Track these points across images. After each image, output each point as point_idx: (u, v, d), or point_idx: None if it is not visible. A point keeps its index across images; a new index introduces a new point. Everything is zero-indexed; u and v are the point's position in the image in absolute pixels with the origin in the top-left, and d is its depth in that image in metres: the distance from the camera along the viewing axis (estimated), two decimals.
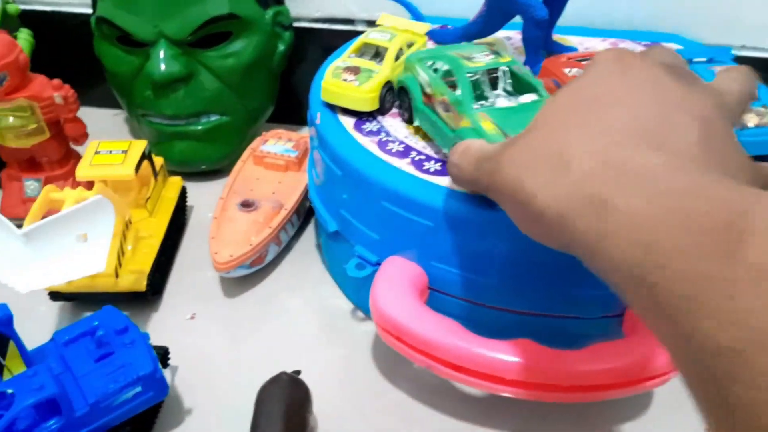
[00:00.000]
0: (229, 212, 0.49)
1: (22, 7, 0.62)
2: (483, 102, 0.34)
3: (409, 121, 0.40)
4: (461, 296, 0.38)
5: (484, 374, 0.34)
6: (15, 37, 0.54)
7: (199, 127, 0.57)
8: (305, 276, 0.50)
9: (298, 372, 0.38)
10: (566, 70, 0.41)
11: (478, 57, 0.36)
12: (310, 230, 0.54)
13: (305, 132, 0.58)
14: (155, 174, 0.51)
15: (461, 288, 0.37)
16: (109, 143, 0.49)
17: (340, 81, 0.41)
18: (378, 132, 0.41)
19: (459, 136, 0.33)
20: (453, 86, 0.36)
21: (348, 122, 0.42)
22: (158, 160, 0.52)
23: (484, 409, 0.39)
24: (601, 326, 0.37)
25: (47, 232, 0.39)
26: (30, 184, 0.54)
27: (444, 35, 0.50)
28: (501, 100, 0.35)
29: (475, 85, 0.35)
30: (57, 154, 0.54)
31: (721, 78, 0.27)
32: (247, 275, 0.48)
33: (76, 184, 0.50)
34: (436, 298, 0.39)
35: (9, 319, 0.34)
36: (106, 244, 0.41)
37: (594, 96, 0.25)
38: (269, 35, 0.57)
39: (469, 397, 0.40)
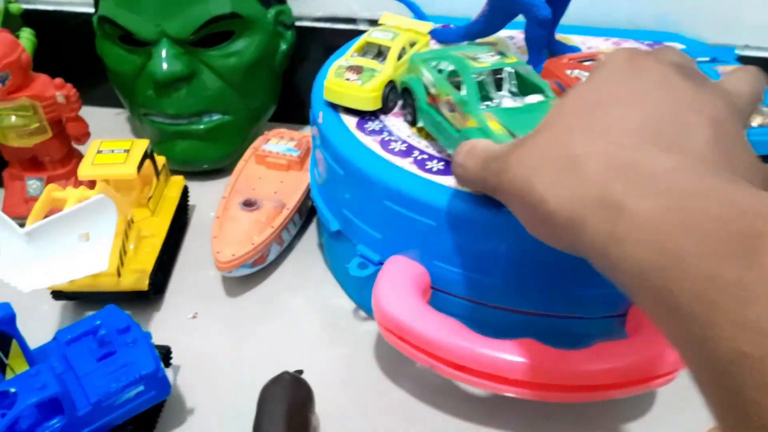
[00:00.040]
0: (231, 211, 0.49)
1: (25, 6, 0.62)
2: (488, 102, 0.34)
3: (412, 122, 0.40)
4: (464, 296, 0.38)
5: (487, 374, 0.33)
6: (17, 37, 0.54)
7: (201, 127, 0.57)
8: (307, 275, 0.50)
9: (300, 371, 0.38)
10: (568, 72, 0.41)
11: (483, 57, 0.36)
12: (312, 230, 0.54)
13: (307, 131, 0.58)
14: (157, 173, 0.51)
15: (464, 288, 0.37)
16: (111, 142, 0.49)
17: (342, 80, 0.41)
18: (380, 131, 0.41)
19: (465, 136, 0.33)
20: (457, 87, 0.35)
21: (350, 121, 0.42)
22: (160, 160, 0.52)
23: (487, 409, 0.39)
24: (604, 326, 0.37)
25: (49, 231, 0.39)
26: (32, 184, 0.54)
27: (446, 34, 0.50)
28: (507, 100, 0.35)
29: (480, 86, 0.35)
30: (59, 154, 0.54)
31: (731, 78, 0.27)
32: (249, 275, 0.48)
33: (78, 184, 0.50)
34: (438, 297, 0.39)
35: (12, 318, 0.34)
36: (108, 243, 0.41)
37: (604, 97, 0.25)
38: (271, 34, 0.57)
39: (471, 396, 0.40)
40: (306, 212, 0.53)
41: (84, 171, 0.47)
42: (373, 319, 0.38)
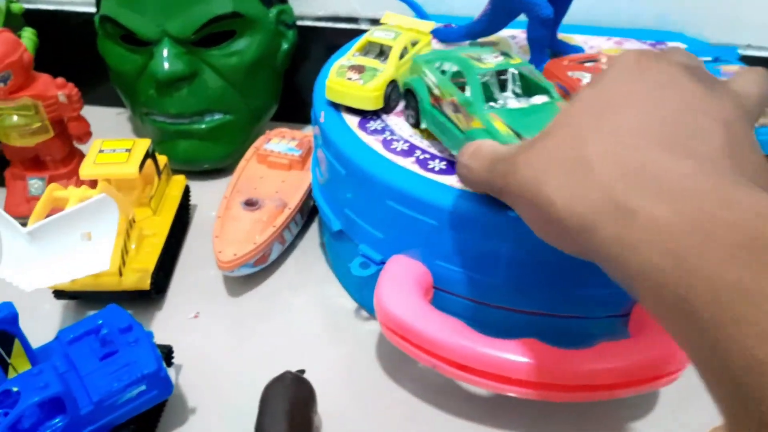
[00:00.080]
0: (233, 211, 0.49)
1: (26, 6, 0.62)
2: (492, 103, 0.34)
3: (416, 124, 0.40)
4: (466, 295, 0.38)
5: (490, 374, 0.33)
6: (19, 36, 0.54)
7: (203, 126, 0.57)
8: (309, 275, 0.50)
9: (302, 371, 0.38)
10: (569, 74, 0.41)
11: (487, 58, 0.36)
12: (314, 229, 0.54)
13: (309, 131, 0.58)
14: (159, 173, 0.51)
15: (466, 287, 0.37)
16: (113, 142, 0.49)
17: (344, 80, 0.41)
18: (382, 131, 0.41)
19: (470, 137, 0.33)
20: (461, 88, 0.35)
21: (352, 121, 0.42)
22: (162, 159, 0.52)
23: (489, 409, 0.39)
24: (607, 326, 0.37)
25: (51, 230, 0.39)
26: (34, 183, 0.54)
27: (448, 34, 0.50)
28: (512, 101, 0.34)
29: (484, 87, 0.34)
30: (61, 153, 0.54)
31: (739, 80, 0.27)
32: (250, 274, 0.48)
33: (79, 183, 0.50)
34: (440, 297, 0.39)
35: (14, 318, 0.34)
36: (110, 242, 0.41)
37: (615, 99, 0.25)
38: (273, 34, 0.57)
39: (474, 396, 0.40)
40: (307, 212, 0.53)
41: (86, 170, 0.47)
42: (375, 318, 0.38)
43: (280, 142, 0.55)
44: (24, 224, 0.39)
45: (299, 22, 0.60)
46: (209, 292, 0.48)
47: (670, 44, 0.50)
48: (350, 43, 0.48)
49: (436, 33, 0.49)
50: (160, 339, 0.38)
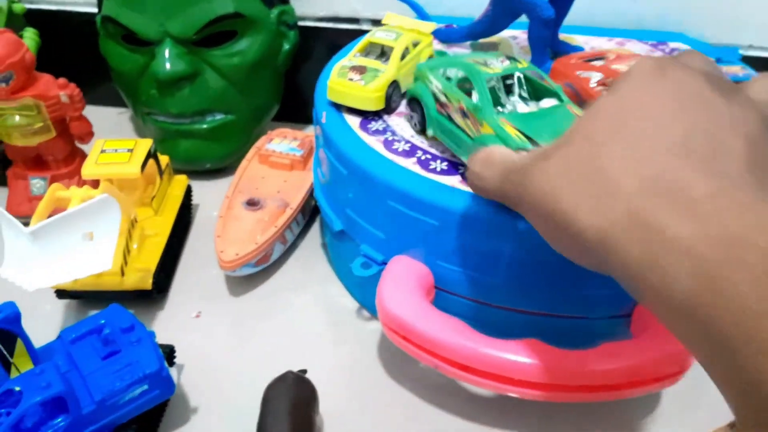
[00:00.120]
0: (235, 211, 0.49)
1: (28, 6, 0.62)
2: (500, 108, 0.33)
3: (421, 131, 0.39)
4: (468, 296, 0.38)
5: (491, 374, 0.33)
6: (21, 36, 0.54)
7: (204, 126, 0.57)
8: (311, 275, 0.50)
9: (304, 371, 0.38)
10: (578, 73, 0.40)
11: (493, 63, 0.35)
12: (315, 229, 0.54)
13: (310, 131, 0.58)
14: (161, 172, 0.51)
15: (468, 287, 0.37)
16: (115, 142, 0.49)
17: (345, 80, 0.41)
18: (384, 131, 0.41)
19: (481, 143, 0.32)
20: (468, 93, 0.35)
21: (354, 121, 0.42)
22: (164, 159, 0.52)
23: (491, 409, 0.39)
24: (609, 326, 0.37)
25: (54, 230, 0.39)
26: (36, 183, 0.54)
27: (450, 34, 0.50)
28: (521, 105, 0.34)
29: (491, 92, 0.34)
30: (63, 153, 0.54)
31: (756, 87, 0.26)
32: (252, 274, 0.48)
33: (81, 183, 0.50)
34: (442, 297, 0.39)
35: (16, 317, 0.34)
36: (112, 242, 0.41)
37: (633, 110, 0.24)
38: (274, 34, 0.57)
39: (476, 396, 0.40)
40: (309, 212, 0.54)
41: (88, 170, 0.47)
42: (377, 318, 0.38)
43: (281, 142, 0.55)
44: (26, 224, 0.39)
45: (300, 23, 0.60)
46: (211, 292, 0.48)
47: (672, 45, 0.50)
48: (351, 43, 0.48)
49: (437, 34, 0.49)
50: (161, 339, 0.38)
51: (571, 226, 0.23)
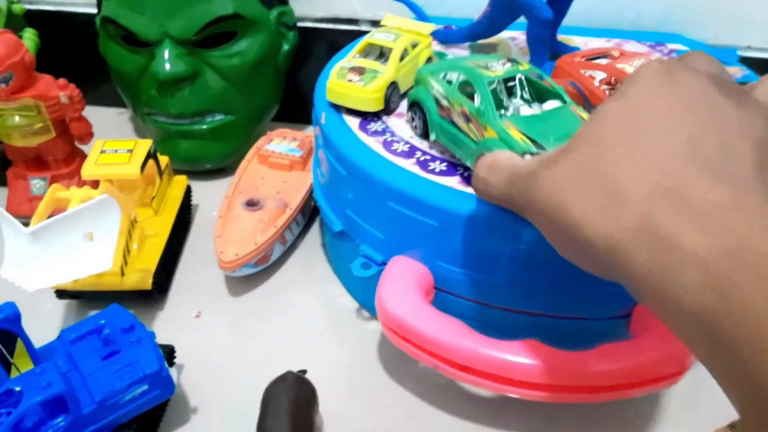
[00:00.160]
0: (235, 211, 0.50)
1: (28, 6, 0.62)
2: (503, 111, 0.33)
3: (424, 135, 0.39)
4: (467, 296, 0.38)
5: (491, 375, 0.34)
6: (20, 37, 0.54)
7: (204, 126, 0.57)
8: (310, 275, 0.50)
9: (303, 371, 0.38)
10: (583, 72, 0.40)
11: (495, 66, 0.35)
12: (315, 229, 0.54)
13: (310, 131, 0.58)
14: (160, 173, 0.51)
15: (467, 288, 0.38)
16: (115, 142, 0.49)
17: (344, 81, 0.41)
18: (383, 132, 0.41)
19: (485, 147, 0.32)
20: (470, 97, 0.34)
21: (353, 122, 0.42)
22: (163, 159, 0.52)
23: (491, 409, 0.40)
24: (608, 327, 0.37)
25: (54, 231, 0.39)
26: (36, 183, 0.54)
27: (448, 35, 0.50)
28: (524, 108, 0.34)
29: (493, 95, 0.33)
30: (63, 153, 0.54)
31: (765, 89, 0.25)
32: (252, 274, 0.48)
33: (81, 183, 0.50)
34: (442, 298, 0.39)
35: (17, 317, 0.34)
36: (112, 242, 0.41)
37: (641, 115, 0.23)
38: (274, 35, 0.57)
39: (476, 396, 0.40)
40: (309, 212, 0.54)
41: (87, 171, 0.47)
42: (377, 318, 0.38)
43: (281, 142, 0.56)
44: (26, 224, 0.39)
45: (300, 23, 0.60)
46: (211, 292, 0.48)
47: (670, 46, 0.50)
48: (350, 44, 0.48)
49: (436, 35, 0.49)
50: (161, 339, 0.38)
51: (579, 233, 0.23)
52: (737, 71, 0.44)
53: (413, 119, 0.40)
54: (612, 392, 0.34)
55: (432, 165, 0.38)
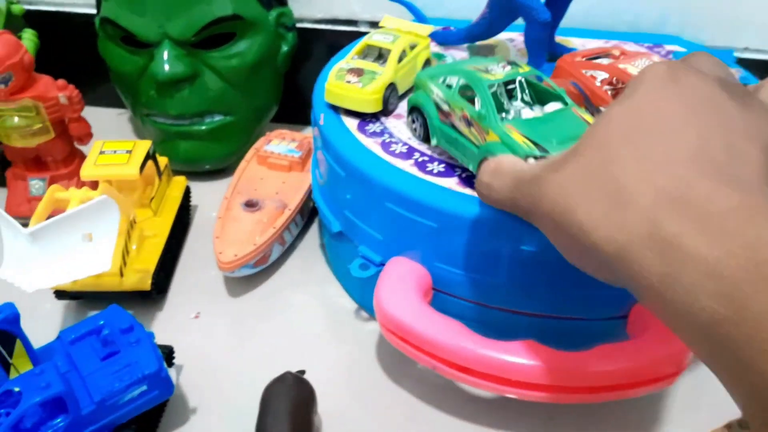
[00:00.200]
0: (233, 212, 0.50)
1: (27, 7, 0.62)
2: (504, 114, 0.33)
3: (424, 140, 0.39)
4: (465, 297, 0.38)
5: (489, 375, 0.34)
6: (19, 38, 0.54)
7: (204, 127, 0.57)
8: (309, 276, 0.50)
9: (302, 372, 0.38)
10: (584, 71, 0.39)
11: (495, 69, 0.35)
12: (314, 230, 0.54)
13: (309, 132, 0.58)
14: (159, 174, 0.51)
15: (465, 289, 0.38)
16: (114, 143, 0.49)
17: (343, 83, 0.41)
18: (381, 133, 0.41)
19: (487, 151, 0.32)
20: (470, 100, 0.34)
21: (351, 123, 0.42)
22: (162, 160, 0.52)
23: (490, 409, 0.40)
24: (606, 328, 0.37)
25: (53, 231, 0.39)
26: (35, 183, 0.54)
27: (447, 37, 0.50)
28: (526, 110, 0.34)
29: (493, 98, 0.33)
30: (62, 154, 0.54)
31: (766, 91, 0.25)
32: (251, 275, 0.48)
33: (80, 184, 0.50)
34: (440, 298, 0.39)
35: (16, 318, 0.34)
36: (111, 243, 0.41)
37: (647, 118, 0.23)
38: (273, 36, 0.57)
39: (475, 397, 0.40)
40: (307, 213, 0.54)
41: (87, 171, 0.47)
42: (375, 319, 0.38)
43: (280, 143, 0.56)
44: (25, 224, 0.39)
45: (299, 24, 0.61)
46: (210, 293, 0.48)
47: (668, 47, 0.50)
48: (349, 46, 0.48)
49: (434, 36, 0.49)
50: (160, 339, 0.38)
51: (585, 237, 0.22)
52: (734, 73, 0.44)
53: (414, 123, 0.40)
54: (610, 392, 0.34)
55: (430, 166, 0.38)
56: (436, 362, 0.35)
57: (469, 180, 0.36)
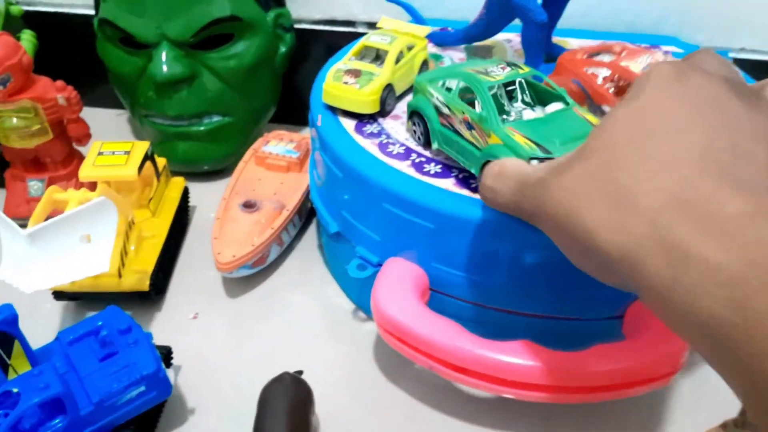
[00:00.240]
0: (232, 213, 0.50)
1: (25, 8, 0.62)
2: (505, 116, 0.33)
3: (426, 144, 0.39)
4: (462, 297, 0.38)
5: (485, 375, 0.34)
6: (18, 39, 0.54)
7: (202, 128, 0.57)
8: (307, 276, 0.50)
9: (300, 372, 0.39)
10: (586, 69, 0.39)
11: (494, 70, 0.34)
12: (311, 231, 0.54)
13: (307, 133, 0.58)
14: (158, 174, 0.51)
15: (462, 289, 0.38)
16: (112, 144, 0.49)
17: (340, 84, 0.41)
18: (379, 134, 0.41)
19: (489, 154, 0.32)
20: (471, 103, 0.34)
21: (349, 124, 0.42)
22: (161, 161, 0.52)
23: (489, 410, 0.40)
24: (602, 328, 0.37)
25: (51, 232, 0.40)
26: (34, 184, 0.54)
27: (444, 38, 0.50)
28: (527, 111, 0.33)
29: (494, 99, 0.33)
30: (60, 155, 0.55)
31: None
32: (249, 275, 0.48)
33: (79, 185, 0.50)
34: (437, 299, 0.39)
35: (14, 319, 0.34)
36: (109, 244, 0.41)
37: (653, 120, 0.23)
38: (271, 37, 0.57)
39: (473, 397, 0.40)
40: (305, 213, 0.54)
41: (85, 172, 0.47)
42: (373, 319, 0.38)
43: (278, 144, 0.56)
44: (23, 225, 0.39)
45: (297, 25, 0.61)
46: (208, 293, 0.48)
47: (665, 48, 0.51)
48: (347, 47, 0.48)
49: (432, 37, 0.49)
50: (159, 340, 0.39)
51: (594, 244, 0.22)
52: (739, 71, 0.44)
53: (414, 127, 0.39)
54: (606, 392, 0.34)
55: (427, 167, 0.38)
56: (433, 362, 0.35)
57: (465, 181, 0.37)
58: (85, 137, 0.55)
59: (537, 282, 0.36)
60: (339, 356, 0.43)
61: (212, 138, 0.58)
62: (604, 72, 0.38)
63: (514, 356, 0.33)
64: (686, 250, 0.19)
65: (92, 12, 0.59)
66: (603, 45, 0.41)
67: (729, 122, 0.22)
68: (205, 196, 0.57)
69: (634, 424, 0.39)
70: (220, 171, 0.60)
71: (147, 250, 0.47)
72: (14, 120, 0.51)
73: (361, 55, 0.44)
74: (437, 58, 0.49)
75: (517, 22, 0.44)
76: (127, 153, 0.48)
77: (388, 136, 0.41)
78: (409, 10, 0.51)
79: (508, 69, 0.35)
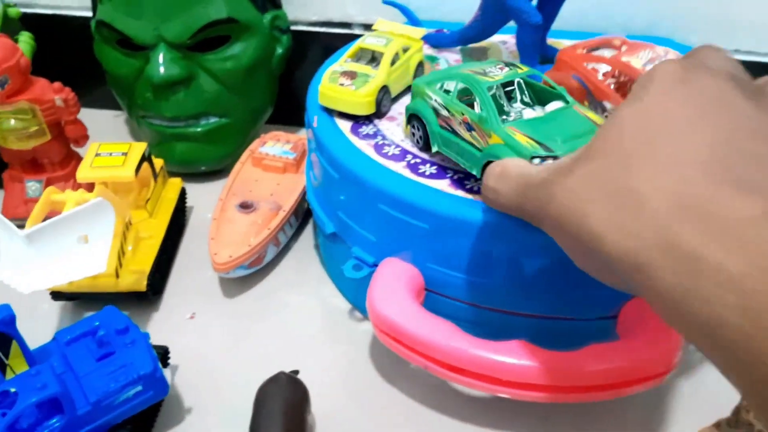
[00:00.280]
0: (228, 213, 0.50)
1: (23, 10, 0.62)
2: (505, 117, 0.32)
3: (425, 147, 0.38)
4: (457, 297, 0.38)
5: (480, 375, 0.34)
6: (16, 41, 0.55)
7: (199, 129, 0.57)
8: (303, 276, 0.50)
9: (296, 372, 0.39)
10: (586, 64, 0.39)
11: (493, 71, 0.34)
12: (308, 231, 0.55)
13: (304, 134, 0.59)
14: (155, 175, 0.51)
15: (457, 289, 0.38)
16: (110, 145, 0.49)
17: (336, 85, 0.42)
18: (374, 135, 0.41)
19: (491, 154, 0.32)
20: (470, 105, 0.34)
21: (345, 126, 0.42)
22: (158, 162, 0.53)
23: (484, 409, 0.40)
24: (596, 328, 0.37)
25: (49, 233, 0.40)
26: (31, 185, 0.54)
27: (440, 39, 0.50)
28: (527, 111, 0.33)
29: (493, 100, 0.33)
30: (58, 156, 0.55)
31: None
32: (246, 276, 0.49)
33: (77, 186, 0.50)
34: (432, 299, 0.39)
35: (12, 319, 0.34)
36: (106, 245, 0.41)
37: (659, 121, 0.22)
38: (267, 39, 0.57)
39: (469, 397, 0.41)
40: (302, 214, 0.54)
41: (82, 173, 0.47)
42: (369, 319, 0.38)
43: (274, 145, 0.56)
44: (21, 226, 0.40)
45: (293, 27, 0.61)
46: (205, 294, 0.49)
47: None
48: (343, 49, 0.49)
49: (427, 39, 0.49)
50: (156, 340, 0.39)
51: (600, 247, 0.22)
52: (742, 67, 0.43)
53: (413, 130, 0.39)
54: (601, 392, 0.34)
55: (422, 168, 0.38)
56: (428, 362, 0.35)
57: (460, 182, 0.37)
58: (83, 138, 0.55)
59: (531, 282, 0.36)
60: (335, 356, 0.44)
61: (209, 139, 0.58)
62: (605, 67, 0.38)
63: (509, 356, 0.34)
64: (695, 255, 0.19)
65: (90, 14, 0.59)
66: (603, 40, 0.41)
67: (735, 122, 0.22)
68: (202, 196, 0.57)
69: (631, 423, 0.39)
70: (217, 172, 0.60)
71: (144, 251, 0.47)
72: (12, 121, 0.51)
73: (357, 56, 0.44)
74: (433, 59, 0.49)
75: (512, 23, 0.44)
76: (125, 154, 0.48)
77: (384, 138, 0.41)
78: (404, 12, 0.51)
79: (507, 69, 0.35)
